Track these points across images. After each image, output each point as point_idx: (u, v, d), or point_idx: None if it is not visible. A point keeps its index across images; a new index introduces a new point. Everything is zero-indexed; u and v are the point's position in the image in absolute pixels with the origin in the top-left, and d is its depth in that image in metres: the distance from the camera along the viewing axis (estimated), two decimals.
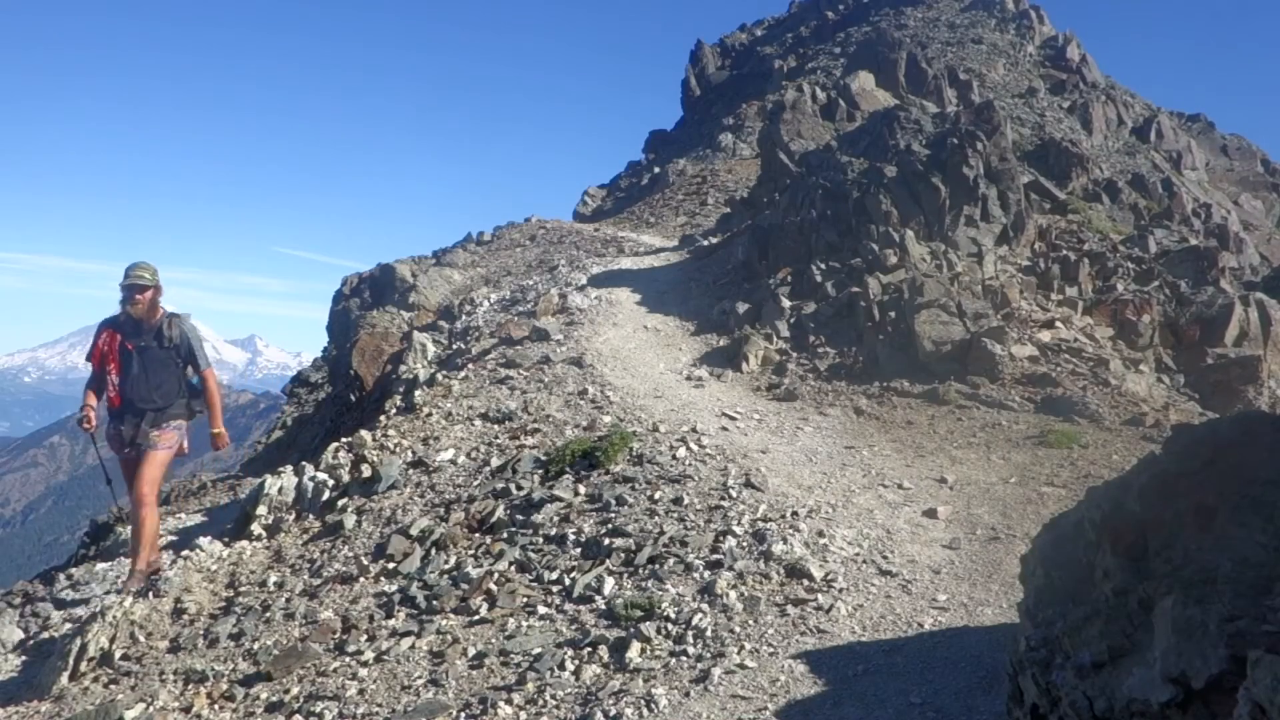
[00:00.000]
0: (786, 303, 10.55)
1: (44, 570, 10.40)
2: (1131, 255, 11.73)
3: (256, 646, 5.01)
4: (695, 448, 6.69)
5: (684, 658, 4.17)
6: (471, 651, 4.54)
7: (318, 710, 4.27)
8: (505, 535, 5.71)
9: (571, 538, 5.50)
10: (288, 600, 5.52)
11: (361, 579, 5.57)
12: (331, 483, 6.96)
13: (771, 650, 4.14)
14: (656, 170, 28.02)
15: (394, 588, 5.37)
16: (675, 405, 7.96)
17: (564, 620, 4.70)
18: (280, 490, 7.01)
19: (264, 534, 6.72)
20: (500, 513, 5.98)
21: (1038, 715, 2.57)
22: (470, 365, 9.42)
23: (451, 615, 4.95)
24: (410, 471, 6.98)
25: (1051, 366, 8.76)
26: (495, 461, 6.92)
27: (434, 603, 5.08)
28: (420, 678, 4.42)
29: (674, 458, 6.48)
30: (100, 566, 7.66)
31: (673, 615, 4.51)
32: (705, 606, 4.55)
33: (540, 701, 4.00)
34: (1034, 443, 7.04)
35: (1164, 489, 2.39)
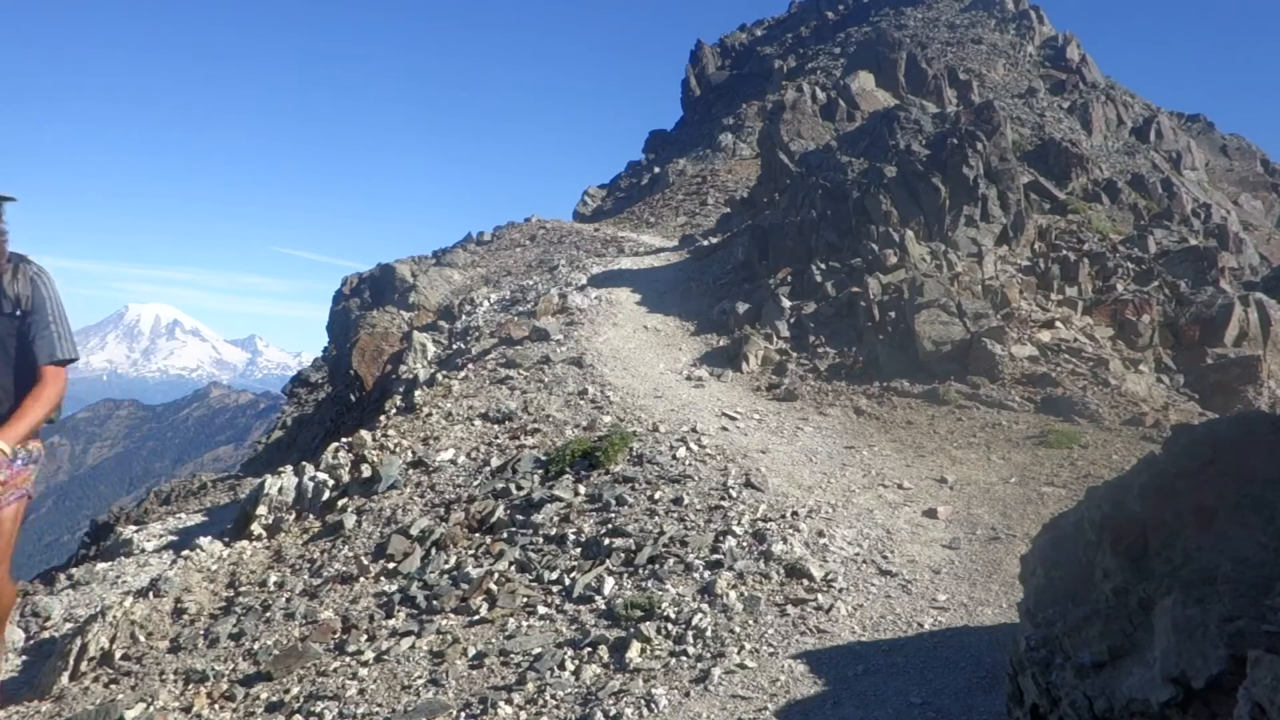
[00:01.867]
0: (786, 303, 10.55)
1: (44, 570, 10.40)
2: (1131, 255, 11.72)
3: (256, 646, 5.01)
4: (695, 448, 6.69)
5: (684, 658, 4.17)
6: (471, 651, 4.54)
7: (318, 710, 4.27)
8: (505, 535, 5.71)
9: (571, 538, 5.50)
10: (288, 600, 5.52)
11: (361, 579, 5.58)
12: (331, 483, 6.97)
13: (771, 650, 4.14)
14: (656, 170, 28.02)
15: (394, 588, 5.37)
16: (675, 405, 7.96)
17: (564, 620, 4.70)
18: (280, 490, 7.01)
19: (264, 534, 6.72)
20: (500, 513, 5.98)
21: (1038, 715, 2.57)
22: (470, 365, 9.42)
23: (451, 615, 4.95)
24: (410, 471, 6.98)
25: (1051, 366, 8.76)
26: (495, 461, 6.92)
27: (434, 603, 5.08)
28: (420, 678, 4.42)
29: (674, 458, 6.48)
30: (100, 566, 7.67)
31: (673, 615, 4.51)
32: (705, 606, 4.55)
33: (540, 701, 4.00)
34: (1034, 443, 7.04)
35: (1164, 489, 2.39)
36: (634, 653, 4.23)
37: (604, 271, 13.96)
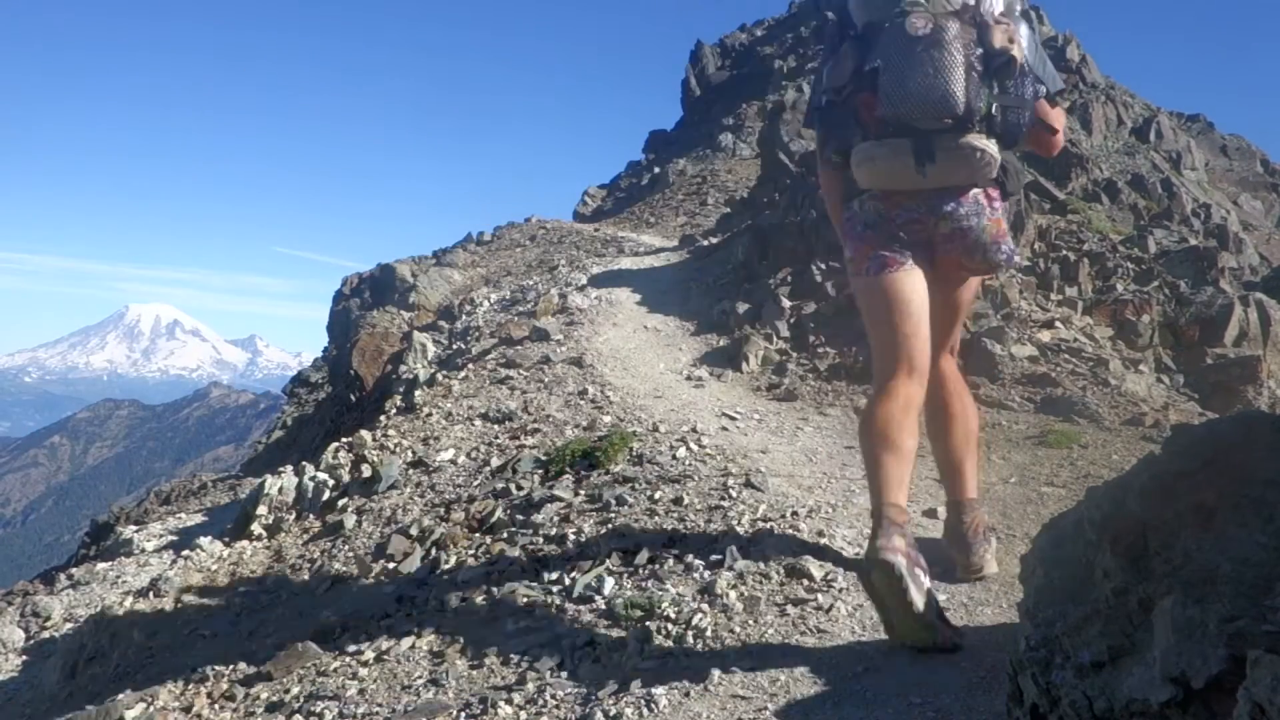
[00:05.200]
0: (786, 303, 10.54)
1: (44, 570, 10.41)
2: (1131, 255, 11.72)
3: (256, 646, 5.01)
4: (695, 448, 6.68)
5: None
6: (471, 651, 4.54)
7: (318, 710, 4.26)
8: (505, 535, 5.71)
9: (571, 538, 5.49)
10: None
11: (362, 579, 5.57)
12: (331, 483, 6.97)
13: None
14: (656, 170, 28.02)
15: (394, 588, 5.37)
16: (675, 405, 7.95)
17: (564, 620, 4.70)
18: (280, 490, 7.01)
19: (264, 534, 6.72)
20: (500, 513, 5.98)
21: (1037, 715, 2.57)
22: (470, 365, 9.42)
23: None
24: (410, 471, 6.98)
25: (1051, 366, 8.76)
26: (495, 461, 6.91)
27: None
28: (420, 677, 4.42)
29: (674, 458, 6.47)
30: (100, 566, 7.68)
31: (673, 615, 4.51)
32: (705, 606, 4.54)
33: (540, 701, 4.00)
34: (1034, 443, 7.03)
35: (1164, 489, 2.39)
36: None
37: (604, 271, 13.95)
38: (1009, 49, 3.35)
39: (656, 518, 5.61)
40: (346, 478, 7.00)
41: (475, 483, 6.63)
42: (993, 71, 3.34)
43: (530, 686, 4.13)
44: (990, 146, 3.38)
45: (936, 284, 3.68)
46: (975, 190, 3.48)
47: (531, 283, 14.27)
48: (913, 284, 3.59)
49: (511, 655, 4.45)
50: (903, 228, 3.56)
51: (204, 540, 6.70)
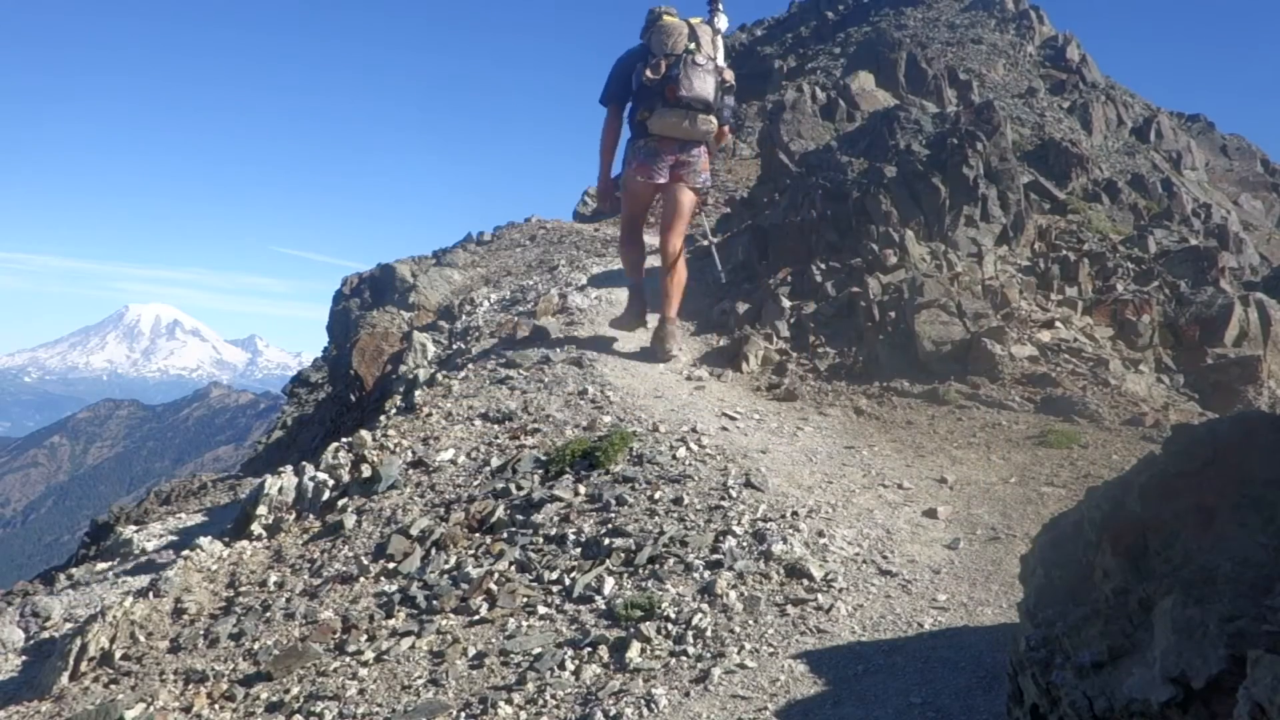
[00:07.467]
0: (786, 303, 10.54)
1: (44, 570, 10.41)
2: (1131, 255, 11.72)
3: (257, 646, 5.01)
4: (695, 448, 6.68)
5: (684, 658, 4.17)
6: (471, 651, 4.55)
7: (318, 710, 4.27)
8: (505, 535, 5.71)
9: (571, 538, 5.49)
10: (288, 600, 5.52)
11: (361, 579, 5.57)
12: (331, 483, 6.96)
13: (771, 650, 4.14)
14: None
15: (394, 588, 5.37)
16: (675, 405, 7.95)
17: (564, 620, 4.71)
18: (280, 490, 7.01)
19: (264, 534, 6.72)
20: (500, 513, 5.98)
21: (1038, 715, 2.57)
22: (470, 365, 9.41)
23: (451, 615, 4.95)
24: (410, 471, 6.97)
25: (1051, 366, 8.76)
26: (495, 461, 6.91)
27: (434, 603, 5.08)
28: (420, 677, 4.42)
29: (674, 458, 6.47)
30: (100, 566, 7.67)
31: (673, 615, 4.51)
32: (705, 606, 4.55)
33: (540, 701, 4.00)
34: (1034, 443, 7.03)
35: (1164, 489, 2.39)
36: (634, 653, 4.24)
37: (604, 271, 13.94)
38: (730, 81, 7.93)
39: (656, 518, 5.61)
40: (346, 478, 6.99)
41: (475, 483, 6.63)
42: (722, 89, 7.74)
43: (530, 686, 4.13)
44: (713, 123, 7.74)
45: (669, 191, 7.98)
46: (702, 145, 7.94)
47: (531, 283, 14.26)
48: (652, 192, 8.19)
49: (512, 655, 4.45)
50: (663, 158, 7.76)
51: (204, 540, 6.69)
